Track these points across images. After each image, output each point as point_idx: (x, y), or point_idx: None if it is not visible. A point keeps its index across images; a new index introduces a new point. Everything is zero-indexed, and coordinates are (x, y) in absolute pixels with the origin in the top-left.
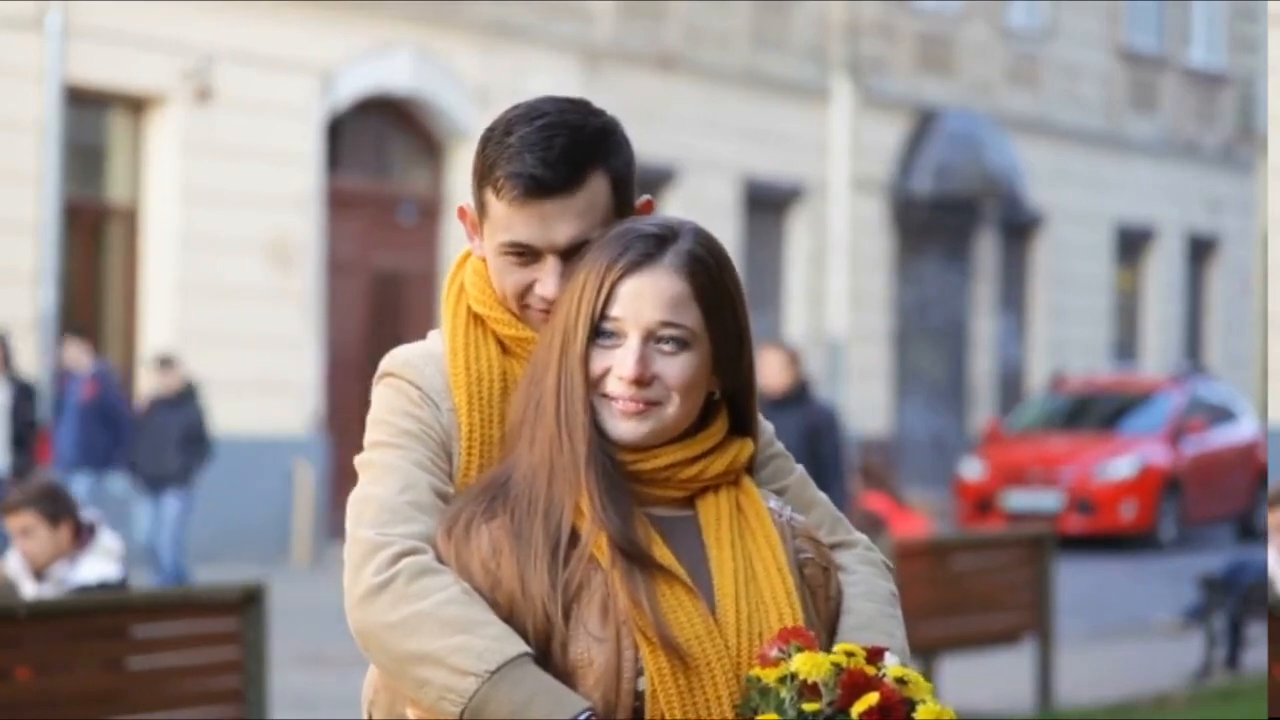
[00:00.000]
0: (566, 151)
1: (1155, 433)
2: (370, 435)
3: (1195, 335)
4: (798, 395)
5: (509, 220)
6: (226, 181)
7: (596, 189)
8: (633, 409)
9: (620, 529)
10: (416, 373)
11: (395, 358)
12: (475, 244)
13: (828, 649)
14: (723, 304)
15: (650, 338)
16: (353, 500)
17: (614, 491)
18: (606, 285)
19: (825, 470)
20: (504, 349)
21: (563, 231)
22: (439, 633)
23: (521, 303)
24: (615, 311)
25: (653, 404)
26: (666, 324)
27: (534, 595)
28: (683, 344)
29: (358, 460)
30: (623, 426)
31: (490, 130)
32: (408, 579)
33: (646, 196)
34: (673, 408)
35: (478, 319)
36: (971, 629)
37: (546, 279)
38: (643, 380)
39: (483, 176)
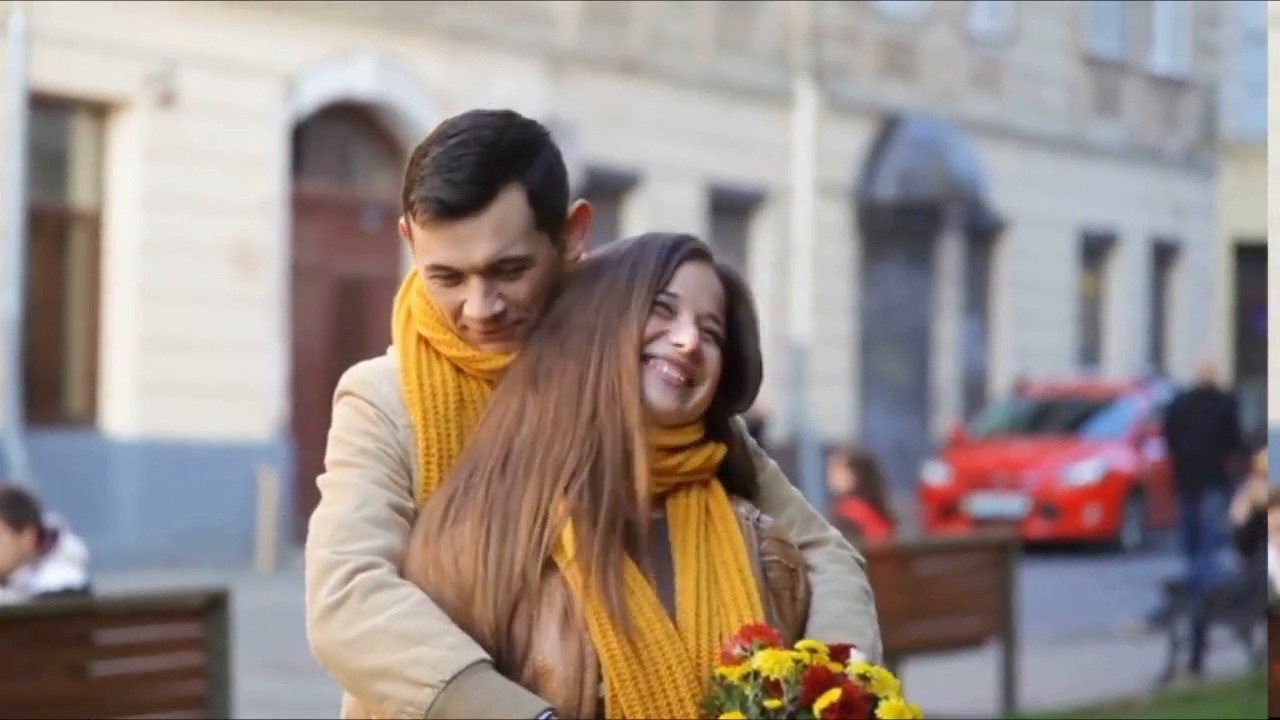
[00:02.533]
0: (474, 170)
1: (1119, 437)
2: (330, 454)
3: (1158, 340)
4: None
5: (427, 243)
6: (190, 186)
7: (509, 204)
8: (677, 379)
9: (615, 509)
10: (373, 390)
11: (352, 376)
12: (418, 263)
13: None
14: (744, 324)
15: (699, 322)
16: (312, 520)
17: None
18: (673, 262)
19: None
20: (457, 368)
21: (479, 251)
22: (394, 647)
23: (458, 323)
24: (675, 288)
25: (691, 383)
26: (712, 316)
27: (511, 573)
28: (716, 338)
29: (319, 480)
30: (665, 394)
31: (414, 151)
32: (361, 595)
33: (581, 201)
34: (702, 391)
35: (426, 341)
36: (935, 633)
37: (473, 299)
38: (698, 355)
39: (404, 199)
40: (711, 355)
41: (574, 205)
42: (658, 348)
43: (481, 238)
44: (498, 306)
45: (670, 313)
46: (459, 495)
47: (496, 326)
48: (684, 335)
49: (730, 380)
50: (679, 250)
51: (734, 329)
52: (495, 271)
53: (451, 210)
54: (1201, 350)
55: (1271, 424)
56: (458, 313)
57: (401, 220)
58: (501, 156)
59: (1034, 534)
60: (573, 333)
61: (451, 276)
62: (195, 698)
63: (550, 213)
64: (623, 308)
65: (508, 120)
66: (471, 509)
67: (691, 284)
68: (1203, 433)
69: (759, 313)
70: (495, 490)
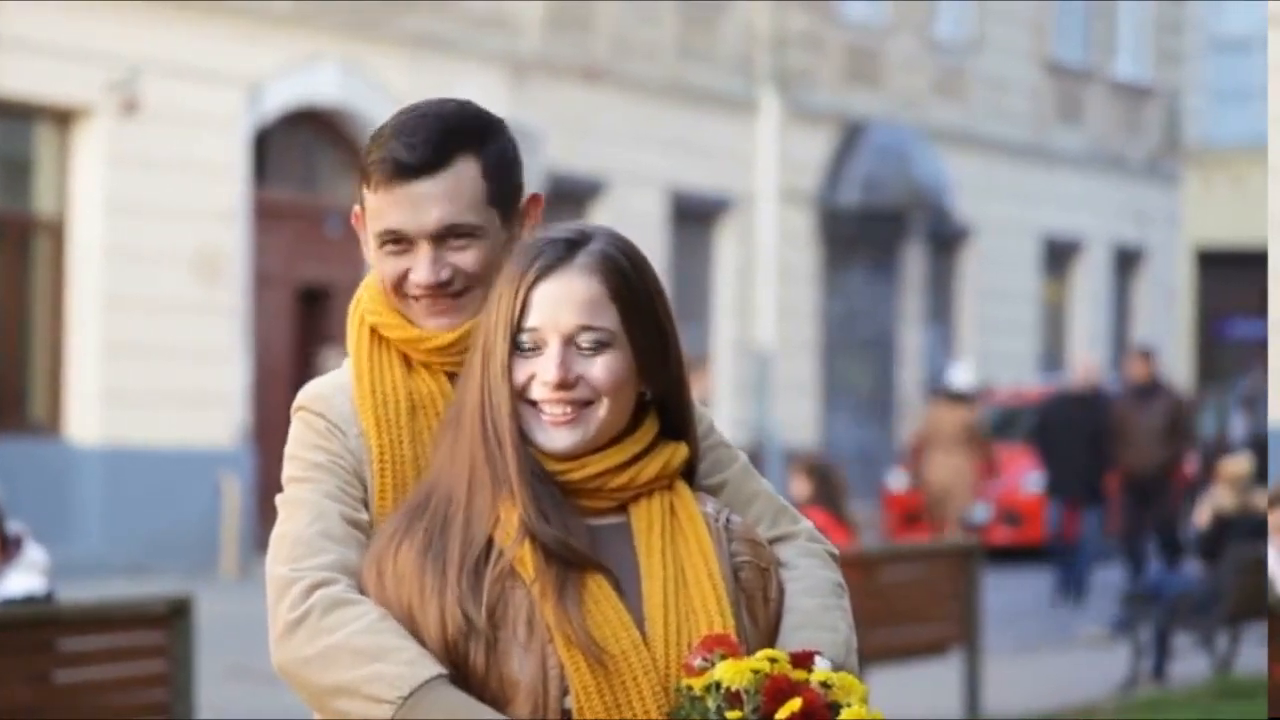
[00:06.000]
0: (431, 134)
1: None
2: (284, 472)
3: (1122, 347)
4: None
5: (381, 208)
6: (153, 194)
7: (464, 172)
8: (561, 417)
9: (559, 537)
10: (324, 403)
11: (306, 391)
12: (368, 250)
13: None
14: (640, 302)
15: (570, 342)
16: (270, 539)
17: (551, 499)
18: (521, 294)
19: None
20: (408, 366)
21: (431, 214)
22: (353, 663)
23: (401, 293)
24: (532, 321)
25: (582, 406)
26: (584, 327)
27: (447, 617)
28: (603, 345)
29: (277, 499)
30: (553, 436)
31: (372, 134)
32: (321, 612)
33: (534, 193)
34: (602, 409)
35: (376, 334)
36: (898, 641)
37: (419, 265)
38: (567, 383)
39: (360, 175)
40: (595, 366)
41: (526, 196)
42: (535, 391)
43: (435, 201)
44: (444, 274)
45: (536, 348)
46: (405, 524)
47: (442, 294)
48: (548, 371)
49: (646, 359)
50: (526, 277)
51: (626, 308)
52: (444, 239)
53: (407, 169)
54: (1085, 354)
55: (1271, 424)
56: (403, 280)
57: (355, 208)
58: (459, 129)
59: (997, 541)
60: (472, 375)
61: (401, 242)
62: (158, 705)
63: (502, 192)
64: (490, 360)
65: (471, 107)
66: (413, 541)
67: (549, 306)
68: (1079, 441)
69: (655, 276)
70: (434, 527)
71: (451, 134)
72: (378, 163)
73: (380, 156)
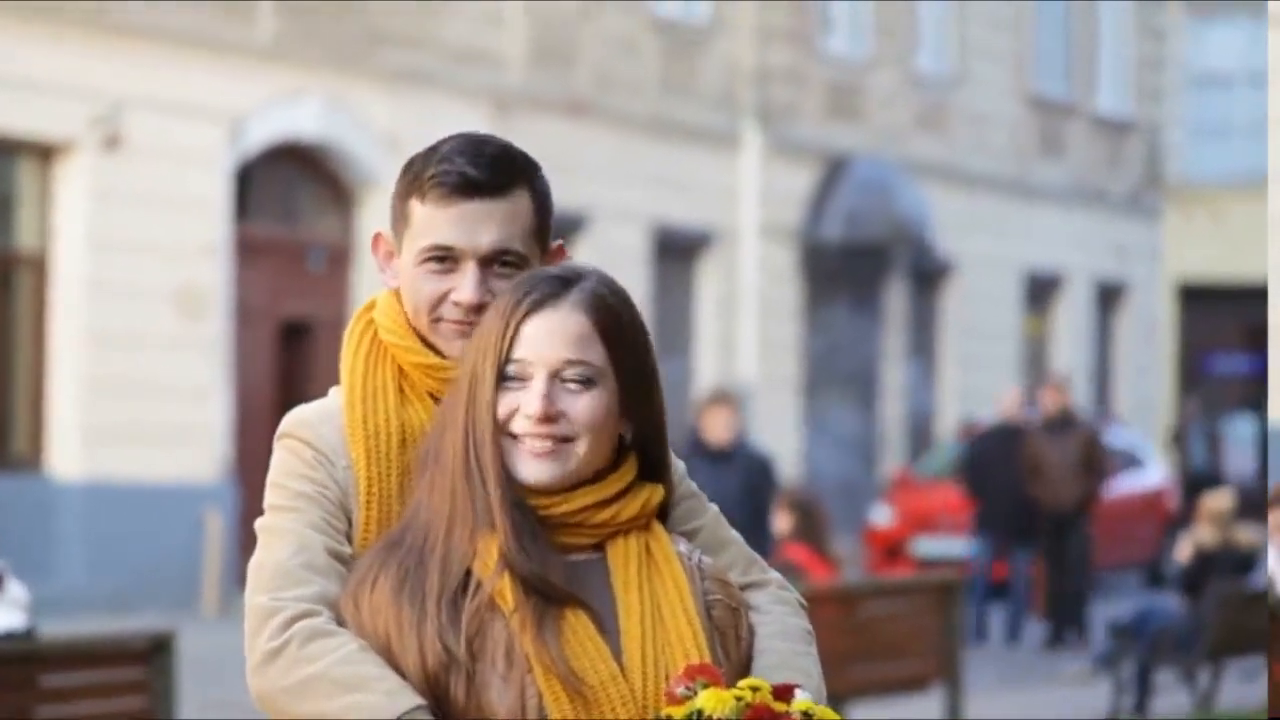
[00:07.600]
0: (496, 158)
1: None
2: (267, 499)
3: (1103, 382)
4: (739, 446)
5: (432, 222)
6: (135, 229)
7: (521, 202)
8: (541, 449)
9: (537, 571)
10: (312, 432)
11: (292, 417)
12: (387, 275)
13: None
14: (627, 342)
15: (556, 376)
16: (250, 566)
17: (530, 533)
18: (511, 327)
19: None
20: (401, 395)
21: (486, 234)
22: (332, 693)
23: (434, 315)
24: (520, 353)
25: (563, 441)
26: (571, 362)
27: (427, 650)
28: (588, 381)
29: (257, 525)
30: (533, 468)
31: (416, 154)
32: (300, 642)
33: (559, 241)
34: (582, 446)
35: (378, 359)
36: (880, 676)
37: (464, 284)
38: (549, 417)
39: (408, 190)
40: (580, 403)
41: (554, 243)
42: (517, 425)
43: (491, 222)
44: (487, 297)
45: (522, 380)
46: (381, 558)
47: (477, 320)
48: (531, 404)
49: (629, 399)
50: (518, 311)
51: (613, 347)
52: (491, 263)
53: (473, 186)
54: (1007, 389)
55: (1271, 424)
56: (439, 302)
57: (378, 232)
58: (518, 156)
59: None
60: (455, 408)
61: (447, 261)
62: None
63: (544, 229)
64: (477, 391)
65: (509, 143)
66: (389, 575)
67: (539, 339)
68: (1007, 478)
69: (642, 320)
70: (410, 562)
71: (514, 162)
72: (441, 174)
73: (445, 170)
